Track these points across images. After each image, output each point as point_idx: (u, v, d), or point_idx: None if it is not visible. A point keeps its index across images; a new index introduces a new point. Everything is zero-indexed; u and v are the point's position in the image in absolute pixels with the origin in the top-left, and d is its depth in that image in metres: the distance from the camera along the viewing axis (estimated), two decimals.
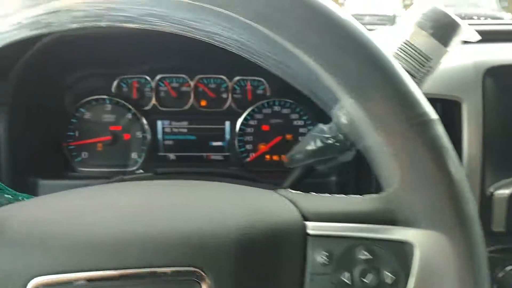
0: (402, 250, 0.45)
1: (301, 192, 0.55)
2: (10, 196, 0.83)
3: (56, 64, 1.14)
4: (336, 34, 0.44)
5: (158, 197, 0.49)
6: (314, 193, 0.55)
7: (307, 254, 0.45)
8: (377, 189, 1.07)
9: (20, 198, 0.83)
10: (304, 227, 0.46)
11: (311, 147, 0.92)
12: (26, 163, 1.14)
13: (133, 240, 0.41)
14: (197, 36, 0.46)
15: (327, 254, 0.45)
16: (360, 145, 0.80)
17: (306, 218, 0.47)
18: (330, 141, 0.89)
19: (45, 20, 0.41)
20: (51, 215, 0.45)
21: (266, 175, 1.29)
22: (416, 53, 0.71)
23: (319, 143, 0.91)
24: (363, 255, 0.46)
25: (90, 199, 0.50)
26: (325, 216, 0.48)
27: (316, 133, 0.92)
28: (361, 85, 0.45)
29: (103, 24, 0.42)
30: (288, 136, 1.36)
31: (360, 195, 1.15)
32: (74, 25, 0.42)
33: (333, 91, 0.49)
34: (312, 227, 0.47)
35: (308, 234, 0.46)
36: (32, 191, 1.14)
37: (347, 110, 0.65)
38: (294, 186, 1.03)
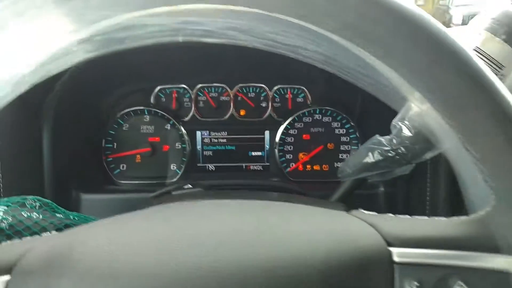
0: (505, 281, 0.41)
1: (377, 214, 0.50)
2: (61, 216, 0.81)
3: (96, 77, 1.13)
4: (426, 43, 0.40)
5: (227, 223, 0.46)
6: (392, 215, 0.50)
7: (395, 284, 0.41)
8: (432, 203, 1.02)
9: (71, 217, 0.82)
10: (390, 254, 0.42)
11: (368, 159, 0.87)
12: (68, 177, 1.13)
13: (210, 271, 0.38)
14: (282, 51, 0.42)
15: (418, 284, 0.41)
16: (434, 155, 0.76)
17: (390, 244, 0.43)
18: (390, 154, 0.84)
19: (118, 36, 0.38)
20: (118, 244, 0.42)
21: (308, 186, 1.25)
22: (488, 61, 0.66)
23: (377, 156, 0.86)
24: (459, 285, 0.41)
25: (156, 224, 0.47)
26: (412, 242, 0.43)
27: (373, 145, 0.87)
28: (453, 97, 0.41)
29: (180, 39, 0.40)
30: (330, 145, 1.32)
31: (412, 208, 1.09)
32: (149, 41, 0.40)
33: (415, 101, 0.45)
34: (399, 254, 0.42)
35: (395, 262, 0.42)
36: (75, 206, 1.13)
37: (423, 121, 0.61)
38: (343, 199, 1.00)
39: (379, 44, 0.39)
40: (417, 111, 0.68)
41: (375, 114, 1.24)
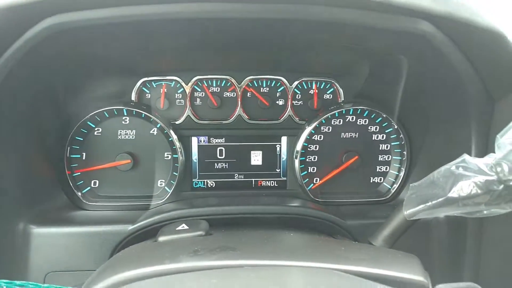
0: None
1: None
2: None
3: (52, 61, 0.80)
4: None
5: None
6: None
7: None
8: None
9: None
10: None
11: (455, 193, 0.59)
12: (12, 203, 0.81)
13: None
14: None
15: None
16: None
17: None
18: (495, 187, 0.56)
19: None
20: None
21: (335, 209, 0.96)
22: None
23: (472, 189, 0.58)
24: None
25: None
26: None
27: (462, 170, 0.59)
28: None
29: None
30: (366, 155, 1.02)
31: (489, 248, 0.79)
32: None
33: None
34: None
35: None
36: (23, 243, 0.81)
37: None
38: (394, 240, 0.71)
39: None
40: None
41: (427, 114, 0.94)
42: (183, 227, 0.65)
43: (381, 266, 0.52)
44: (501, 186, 0.56)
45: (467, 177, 0.59)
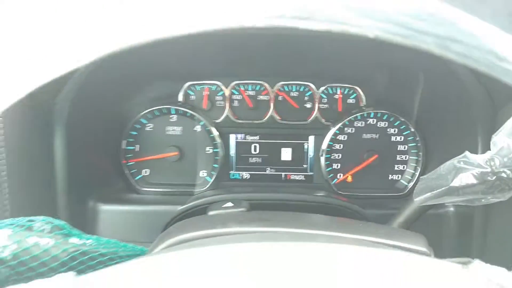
0: None
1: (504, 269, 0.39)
2: (76, 241, 0.66)
3: (115, 72, 0.96)
4: None
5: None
6: None
7: None
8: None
9: (87, 241, 0.66)
10: None
11: (456, 183, 0.70)
12: (84, 186, 0.97)
13: None
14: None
15: None
16: None
17: None
18: (489, 178, 0.67)
19: None
20: None
21: (357, 201, 1.08)
22: None
23: (470, 179, 0.69)
24: None
25: None
26: None
27: (463, 164, 0.70)
28: None
29: None
30: (385, 155, 1.14)
31: (494, 237, 0.89)
32: None
33: None
34: None
35: None
36: (92, 218, 0.97)
37: None
38: (407, 225, 0.82)
39: None
40: None
41: (440, 119, 1.05)
42: (229, 204, 0.78)
43: (390, 238, 0.64)
44: (494, 177, 0.66)
45: (466, 170, 0.69)
